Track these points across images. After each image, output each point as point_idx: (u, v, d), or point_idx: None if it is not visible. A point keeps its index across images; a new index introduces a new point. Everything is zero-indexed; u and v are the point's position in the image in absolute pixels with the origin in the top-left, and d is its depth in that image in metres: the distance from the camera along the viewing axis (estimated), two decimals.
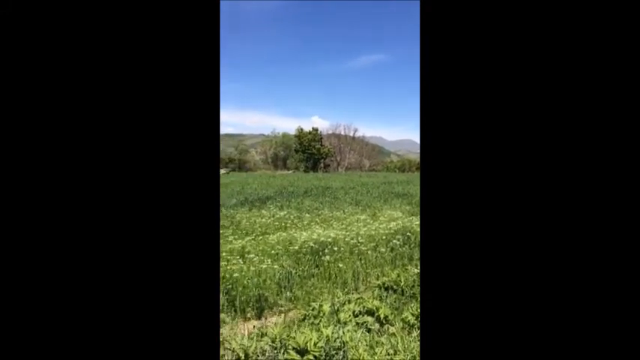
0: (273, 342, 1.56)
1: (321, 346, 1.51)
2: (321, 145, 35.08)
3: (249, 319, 3.01)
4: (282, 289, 3.28)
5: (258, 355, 1.43)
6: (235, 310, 2.99)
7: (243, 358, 1.34)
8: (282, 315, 2.93)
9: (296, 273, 3.52)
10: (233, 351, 1.37)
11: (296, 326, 1.84)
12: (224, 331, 2.45)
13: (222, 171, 27.82)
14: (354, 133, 39.61)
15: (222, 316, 2.81)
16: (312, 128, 35.71)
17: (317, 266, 3.73)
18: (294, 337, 1.58)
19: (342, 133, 39.88)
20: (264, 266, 3.55)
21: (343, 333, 1.67)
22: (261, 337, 1.67)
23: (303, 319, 2.43)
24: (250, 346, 1.40)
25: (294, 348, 1.53)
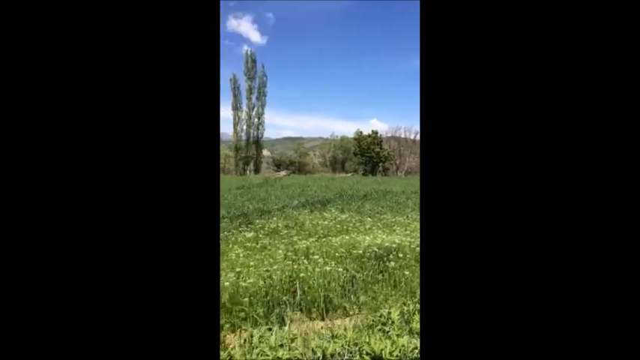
0: (347, 345, 1.58)
1: (398, 355, 1.48)
2: (381, 148, 34.50)
3: (314, 319, 3.08)
4: (347, 293, 3.29)
5: (334, 356, 1.46)
6: (301, 310, 3.08)
7: (321, 357, 1.38)
8: (347, 318, 2.94)
9: (360, 277, 3.50)
10: (313, 351, 1.42)
11: (366, 332, 1.84)
12: (292, 328, 2.53)
13: (282, 173, 28.86)
14: (414, 136, 38.30)
15: (289, 313, 2.91)
16: (372, 131, 35.27)
17: (381, 272, 3.67)
18: (368, 343, 1.58)
19: (402, 135, 38.81)
20: (328, 268, 3.60)
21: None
22: (333, 338, 1.70)
23: (371, 325, 2.41)
24: (328, 347, 1.44)
25: (367, 353, 1.53)
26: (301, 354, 1.45)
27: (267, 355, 1.45)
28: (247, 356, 1.54)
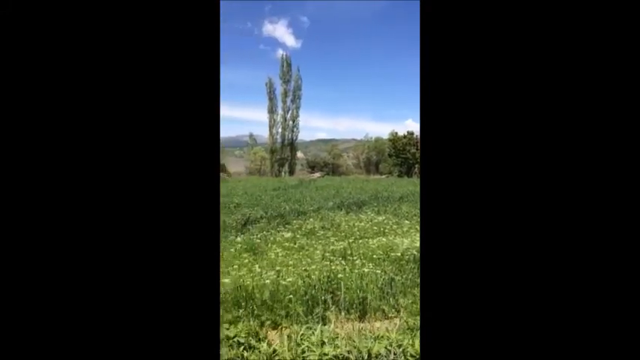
0: (391, 346, 1.57)
1: None
2: (417, 149, 33.64)
3: (352, 320, 3.08)
4: (385, 295, 3.26)
5: (379, 357, 1.46)
6: (339, 310, 3.09)
7: (366, 357, 1.39)
8: (387, 320, 2.91)
9: (399, 280, 3.46)
10: (358, 350, 1.43)
11: (410, 334, 1.82)
12: (330, 327, 2.56)
13: (316, 174, 29.05)
14: None
15: (328, 312, 2.94)
16: (407, 132, 34.51)
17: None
18: (412, 345, 1.56)
19: None
20: (365, 270, 3.58)
21: None
22: (375, 339, 1.70)
23: (413, 328, 2.38)
24: (372, 347, 1.44)
25: (412, 355, 1.51)
26: (347, 352, 1.47)
27: (314, 351, 1.48)
28: (292, 352, 1.58)
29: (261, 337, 2.30)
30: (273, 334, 2.37)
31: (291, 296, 2.81)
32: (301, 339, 1.78)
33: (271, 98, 33.28)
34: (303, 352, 1.54)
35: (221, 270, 3.52)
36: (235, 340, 2.22)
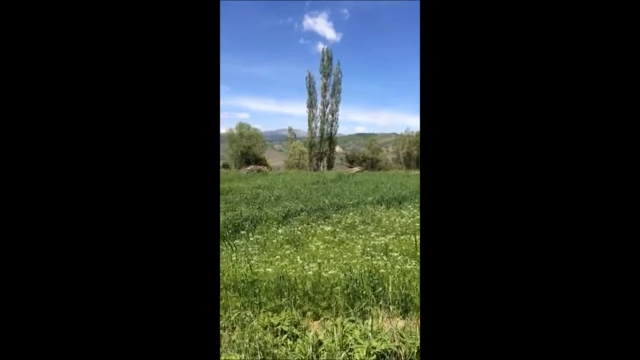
0: None
1: None
2: None
3: (395, 316, 3.03)
4: None
5: None
6: (380, 306, 3.05)
7: (415, 352, 1.36)
8: None
9: None
10: (408, 347, 1.40)
11: None
12: (374, 321, 2.53)
13: (355, 169, 28.84)
14: None
15: (369, 309, 2.91)
16: None
17: None
18: None
19: None
20: (408, 267, 3.50)
21: None
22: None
23: None
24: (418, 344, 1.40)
25: None
26: (397, 347, 1.44)
27: (360, 344, 1.47)
28: (338, 344, 1.58)
29: (303, 326, 2.34)
30: (315, 325, 2.39)
31: (337, 287, 2.82)
32: (345, 331, 1.78)
33: (311, 92, 33.45)
34: (349, 344, 1.54)
35: (265, 259, 3.61)
36: (279, 327, 2.27)
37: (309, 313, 2.58)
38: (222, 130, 36.59)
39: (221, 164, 32.45)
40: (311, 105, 33.67)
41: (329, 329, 1.90)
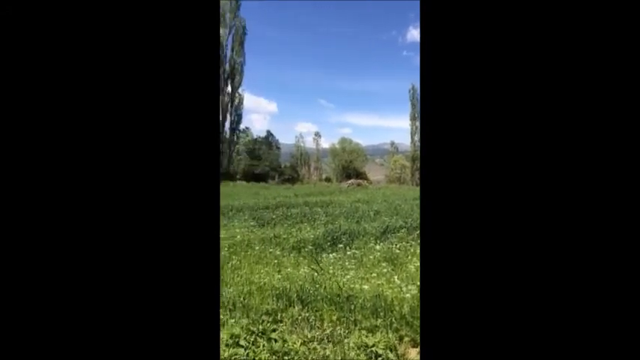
0: None
1: None
2: None
3: None
4: None
5: None
6: None
7: None
8: None
9: None
10: None
11: None
12: None
13: None
14: None
15: None
16: None
17: None
18: None
19: None
20: None
21: None
22: None
23: None
24: None
25: None
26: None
27: None
28: None
29: (399, 352, 2.22)
30: (413, 353, 2.24)
31: None
32: None
33: (414, 105, 32.52)
34: None
35: (361, 275, 3.59)
36: (374, 349, 2.20)
37: (406, 339, 2.44)
38: (326, 145, 38.33)
39: (323, 177, 33.98)
40: (414, 117, 32.71)
41: None
